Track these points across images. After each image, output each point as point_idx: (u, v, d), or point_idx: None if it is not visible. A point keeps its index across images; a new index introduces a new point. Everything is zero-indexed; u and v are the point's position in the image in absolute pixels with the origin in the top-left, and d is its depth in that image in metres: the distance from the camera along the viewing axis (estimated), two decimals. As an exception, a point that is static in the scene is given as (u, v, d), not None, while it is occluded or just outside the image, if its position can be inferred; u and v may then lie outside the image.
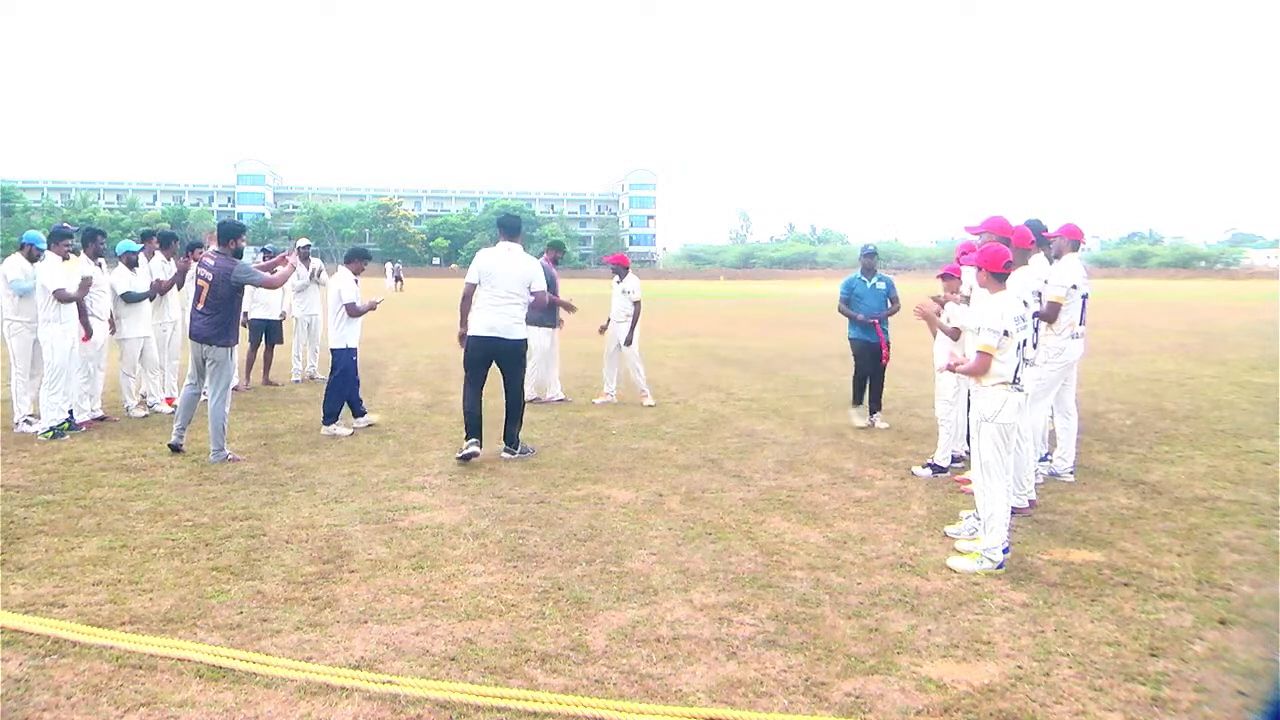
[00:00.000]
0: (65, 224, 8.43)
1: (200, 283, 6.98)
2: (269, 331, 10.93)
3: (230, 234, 7.15)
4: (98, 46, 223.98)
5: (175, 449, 7.01)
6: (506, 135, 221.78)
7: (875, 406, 8.68)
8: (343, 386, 8.04)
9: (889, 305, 8.66)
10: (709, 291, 54.08)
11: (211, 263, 6.97)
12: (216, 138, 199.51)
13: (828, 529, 5.33)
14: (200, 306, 6.93)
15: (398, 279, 50.87)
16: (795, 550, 4.93)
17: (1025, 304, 5.25)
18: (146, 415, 8.71)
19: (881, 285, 8.72)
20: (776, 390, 11.15)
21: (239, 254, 7.14)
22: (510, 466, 6.85)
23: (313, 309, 11.43)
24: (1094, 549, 4.99)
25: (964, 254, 6.31)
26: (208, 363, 6.94)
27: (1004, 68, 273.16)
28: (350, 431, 7.99)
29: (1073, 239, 6.55)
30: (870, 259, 8.83)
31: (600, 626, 3.87)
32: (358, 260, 8.37)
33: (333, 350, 8.10)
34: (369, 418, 8.42)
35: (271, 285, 7.54)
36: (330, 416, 7.98)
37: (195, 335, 6.95)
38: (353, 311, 8.03)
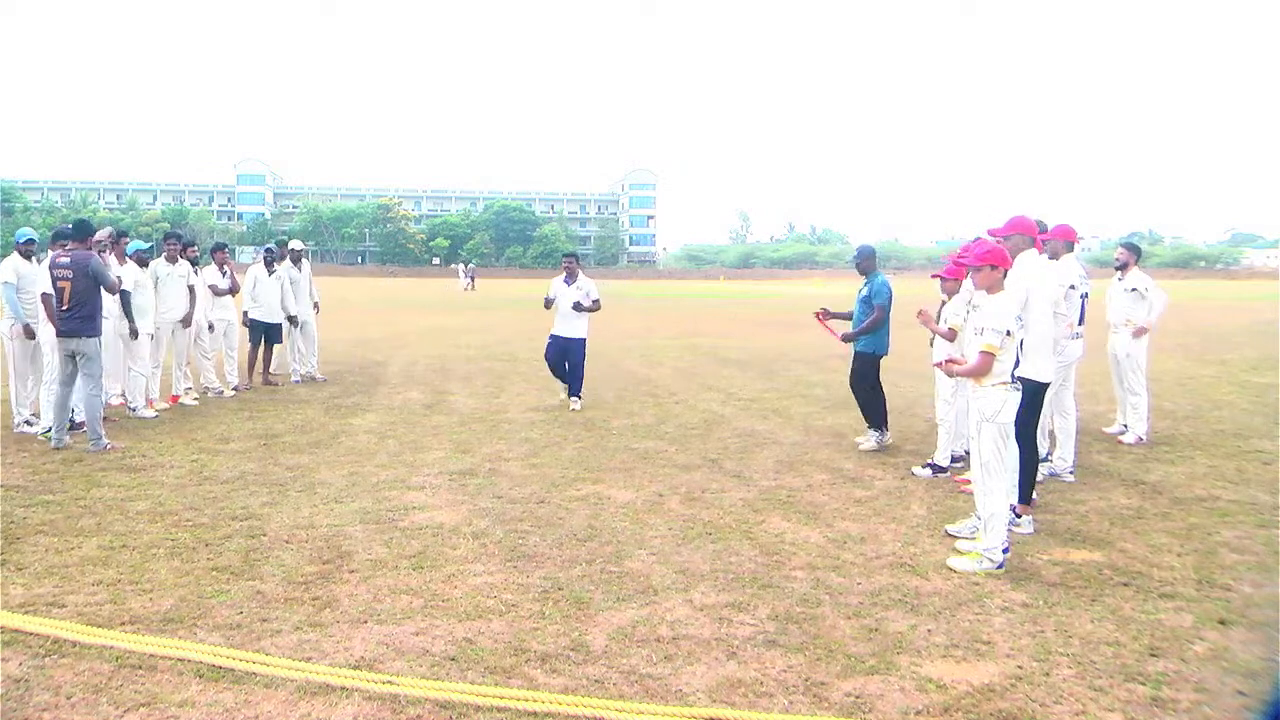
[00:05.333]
0: (67, 224, 8.41)
1: (61, 284, 7.17)
2: (269, 333, 10.92)
3: (85, 232, 7.50)
4: (98, 46, 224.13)
5: (59, 447, 7.15)
6: (506, 135, 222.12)
7: (872, 423, 7.66)
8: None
9: (870, 312, 7.51)
10: (709, 291, 54.09)
11: (68, 260, 7.21)
12: (216, 138, 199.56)
13: (828, 529, 5.33)
14: (65, 307, 7.16)
15: (470, 279, 52.13)
16: (795, 550, 4.93)
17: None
18: (156, 416, 8.71)
19: (864, 291, 7.61)
20: (776, 390, 11.14)
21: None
22: (510, 466, 6.85)
23: (306, 310, 11.43)
24: (1094, 549, 4.99)
25: (963, 257, 6.31)
26: (78, 357, 7.22)
27: (1004, 68, 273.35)
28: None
29: (1067, 240, 6.54)
30: (862, 261, 7.78)
31: (600, 626, 3.87)
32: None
33: (578, 339, 9.52)
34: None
35: (113, 290, 7.61)
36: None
37: (64, 332, 7.19)
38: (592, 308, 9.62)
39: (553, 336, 9.59)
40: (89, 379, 7.21)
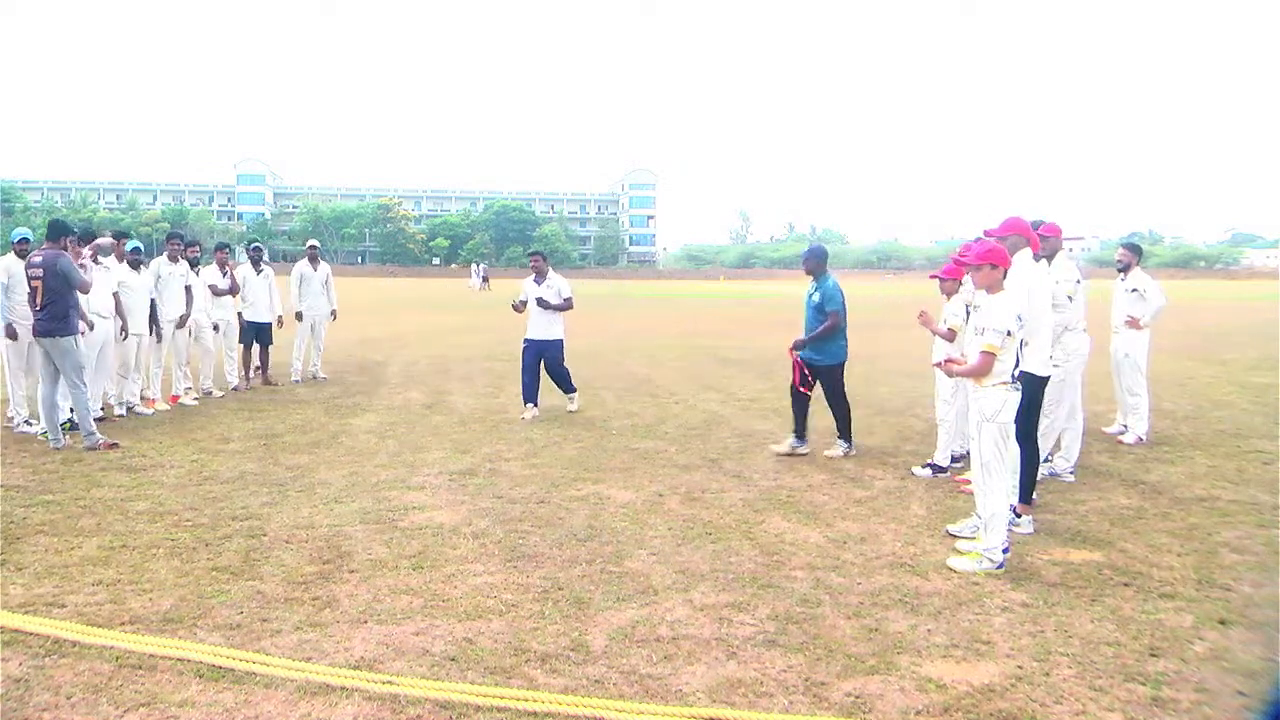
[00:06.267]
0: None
1: (34, 283, 7.15)
2: (259, 333, 10.89)
3: (60, 232, 7.42)
4: (97, 46, 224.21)
5: (58, 448, 7.15)
6: (506, 135, 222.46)
7: (843, 433, 7.37)
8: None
9: (822, 319, 7.17)
10: (709, 291, 54.07)
11: (39, 259, 7.20)
12: (216, 138, 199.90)
13: (828, 529, 5.33)
14: (39, 307, 7.14)
15: (484, 279, 53.39)
16: (795, 550, 4.93)
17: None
18: (152, 413, 8.71)
19: (817, 296, 7.24)
20: (776, 390, 11.13)
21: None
22: (510, 466, 6.85)
23: (319, 310, 11.45)
24: (1094, 549, 4.99)
25: (963, 257, 6.34)
26: (55, 356, 7.18)
27: (1004, 68, 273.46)
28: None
29: (1058, 236, 6.59)
30: (812, 262, 7.41)
31: (600, 626, 3.87)
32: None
33: (554, 341, 9.10)
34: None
35: (84, 289, 7.42)
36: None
37: (38, 332, 7.19)
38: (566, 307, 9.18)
39: (527, 340, 9.09)
40: (70, 377, 7.17)
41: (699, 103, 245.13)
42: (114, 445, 7.15)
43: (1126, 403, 8.10)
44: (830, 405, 7.38)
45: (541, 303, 8.99)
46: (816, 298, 7.23)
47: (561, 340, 9.18)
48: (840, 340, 7.29)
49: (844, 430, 7.39)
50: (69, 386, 7.21)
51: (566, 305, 9.11)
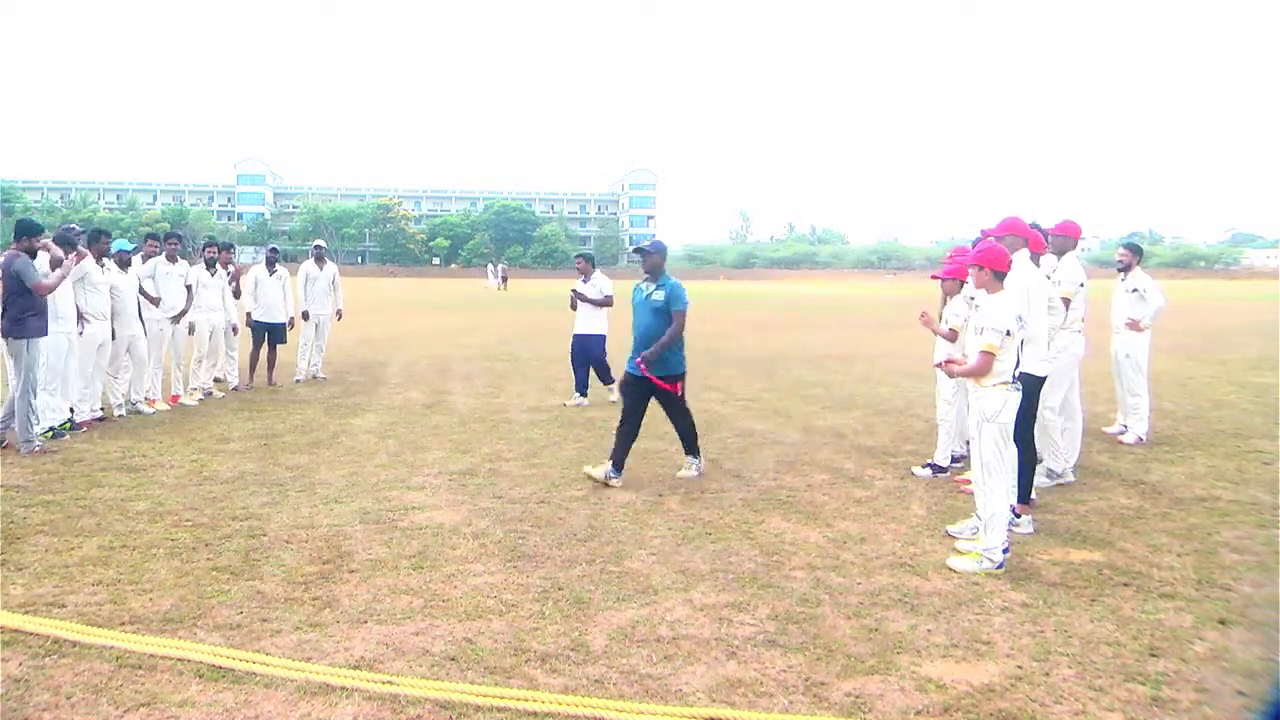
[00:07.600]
0: (71, 225, 8.34)
1: None
2: (272, 333, 10.90)
3: (24, 232, 7.28)
4: (97, 46, 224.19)
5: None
6: (506, 135, 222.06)
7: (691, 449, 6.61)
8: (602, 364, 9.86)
9: (666, 322, 6.34)
10: (709, 291, 54.07)
11: (2, 260, 7.12)
12: (216, 138, 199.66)
13: (828, 529, 5.33)
14: (1, 309, 7.04)
15: (502, 279, 54.32)
16: (795, 550, 4.93)
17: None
18: (152, 412, 8.71)
19: (660, 295, 6.43)
20: (776, 390, 11.14)
21: (32, 253, 7.22)
22: (510, 466, 6.85)
23: (324, 309, 11.48)
24: (1094, 549, 4.99)
25: (954, 258, 6.38)
26: (8, 357, 7.10)
27: (1004, 68, 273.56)
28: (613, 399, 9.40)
29: (1071, 236, 6.60)
30: (655, 258, 6.59)
31: (600, 626, 3.87)
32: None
33: (596, 335, 9.86)
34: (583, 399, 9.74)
35: (40, 290, 7.10)
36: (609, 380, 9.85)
37: (2, 332, 7.09)
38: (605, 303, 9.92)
39: (574, 335, 9.94)
40: (17, 380, 6.96)
41: (699, 103, 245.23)
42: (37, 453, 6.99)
43: (1127, 403, 8.10)
44: (673, 421, 6.64)
45: (581, 297, 9.85)
46: (659, 297, 6.41)
47: (603, 335, 9.96)
48: (680, 350, 6.48)
49: (692, 445, 6.64)
50: (12, 386, 6.99)
51: (606, 302, 9.93)
